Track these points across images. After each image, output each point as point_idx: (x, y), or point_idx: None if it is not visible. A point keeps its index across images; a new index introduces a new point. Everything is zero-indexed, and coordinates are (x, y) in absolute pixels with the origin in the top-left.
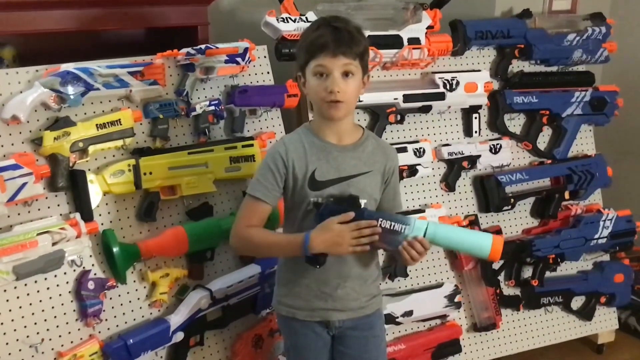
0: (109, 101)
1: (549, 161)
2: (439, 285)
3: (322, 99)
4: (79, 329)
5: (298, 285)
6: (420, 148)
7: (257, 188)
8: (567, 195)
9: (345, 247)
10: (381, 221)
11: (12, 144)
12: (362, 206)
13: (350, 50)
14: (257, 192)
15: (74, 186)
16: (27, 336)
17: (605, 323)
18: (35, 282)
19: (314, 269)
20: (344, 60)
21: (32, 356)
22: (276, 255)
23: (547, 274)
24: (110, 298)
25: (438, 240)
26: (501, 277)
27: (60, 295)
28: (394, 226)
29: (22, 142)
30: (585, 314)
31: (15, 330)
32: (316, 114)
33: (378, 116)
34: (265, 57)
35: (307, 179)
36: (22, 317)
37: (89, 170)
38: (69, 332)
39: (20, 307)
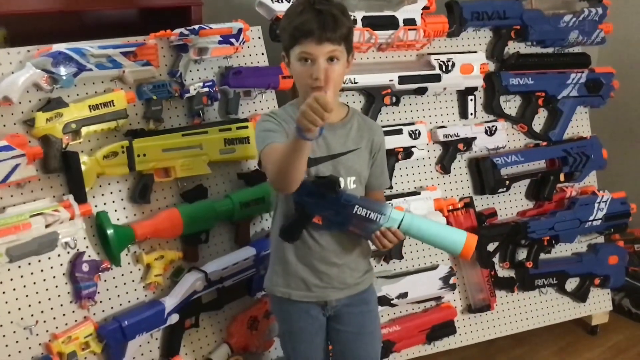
0: (102, 82)
1: (545, 143)
2: (433, 267)
3: (308, 84)
4: (73, 311)
5: (294, 264)
6: (415, 130)
7: (268, 136)
8: (562, 177)
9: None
10: (357, 208)
11: (4, 125)
12: (342, 187)
13: (335, 35)
14: (268, 140)
15: (67, 168)
16: (22, 318)
17: (599, 305)
18: (29, 264)
19: (309, 247)
20: (330, 47)
21: (27, 338)
22: (294, 157)
23: (542, 255)
24: (105, 280)
25: (412, 233)
26: (496, 259)
27: (54, 277)
28: (369, 215)
29: (14, 124)
30: (580, 295)
31: (9, 312)
32: (302, 94)
33: (373, 98)
34: (259, 37)
35: None
36: (16, 299)
37: (82, 152)
38: (64, 314)
39: (14, 290)
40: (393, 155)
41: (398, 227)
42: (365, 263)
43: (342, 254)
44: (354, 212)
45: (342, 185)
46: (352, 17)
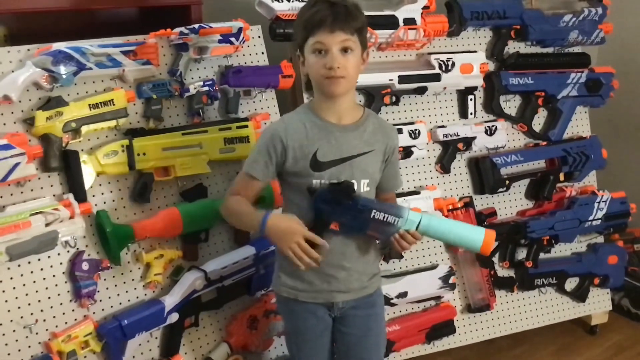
0: (102, 81)
1: (544, 143)
2: (433, 267)
3: (322, 75)
4: (73, 310)
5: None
6: (415, 130)
7: (253, 166)
8: (561, 177)
9: (285, 245)
10: (375, 212)
11: (4, 124)
12: (356, 192)
13: (348, 25)
14: (251, 169)
15: (67, 167)
16: (22, 317)
17: (598, 304)
18: (29, 263)
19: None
20: (342, 36)
21: (27, 337)
22: (244, 227)
23: (541, 255)
24: (105, 279)
25: (431, 233)
26: (495, 259)
27: (54, 276)
28: (387, 218)
29: (14, 122)
30: (579, 295)
31: (9, 311)
32: (317, 92)
33: (373, 97)
34: (259, 37)
35: (309, 159)
36: (16, 298)
37: (82, 150)
38: (63, 313)
39: (14, 288)
40: None
41: (416, 229)
42: (374, 267)
43: (351, 258)
44: (372, 216)
45: (356, 188)
46: None
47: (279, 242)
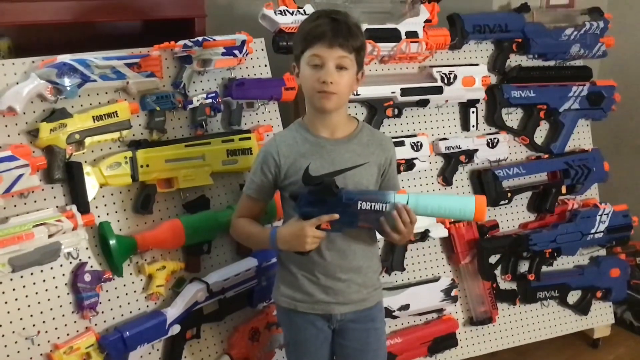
0: (106, 93)
1: (546, 156)
2: (435, 279)
3: (315, 89)
4: (75, 322)
5: (299, 278)
6: (417, 142)
7: (250, 187)
8: (563, 189)
9: (303, 245)
10: (361, 204)
11: (8, 136)
12: (340, 188)
13: (347, 42)
14: (249, 191)
15: (70, 178)
16: (23, 328)
17: (601, 317)
18: (32, 274)
19: (314, 261)
20: (340, 52)
21: (28, 348)
22: (255, 247)
23: (544, 268)
24: (107, 290)
25: (421, 211)
26: (497, 272)
27: (56, 287)
28: (374, 207)
29: (18, 134)
30: (581, 308)
31: (11, 322)
32: (308, 106)
33: (375, 110)
34: (262, 49)
35: (302, 175)
36: (18, 309)
37: (86, 162)
38: (65, 325)
39: (16, 300)
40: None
41: None
42: (375, 280)
43: (347, 269)
44: (359, 208)
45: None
46: None
47: (296, 247)
